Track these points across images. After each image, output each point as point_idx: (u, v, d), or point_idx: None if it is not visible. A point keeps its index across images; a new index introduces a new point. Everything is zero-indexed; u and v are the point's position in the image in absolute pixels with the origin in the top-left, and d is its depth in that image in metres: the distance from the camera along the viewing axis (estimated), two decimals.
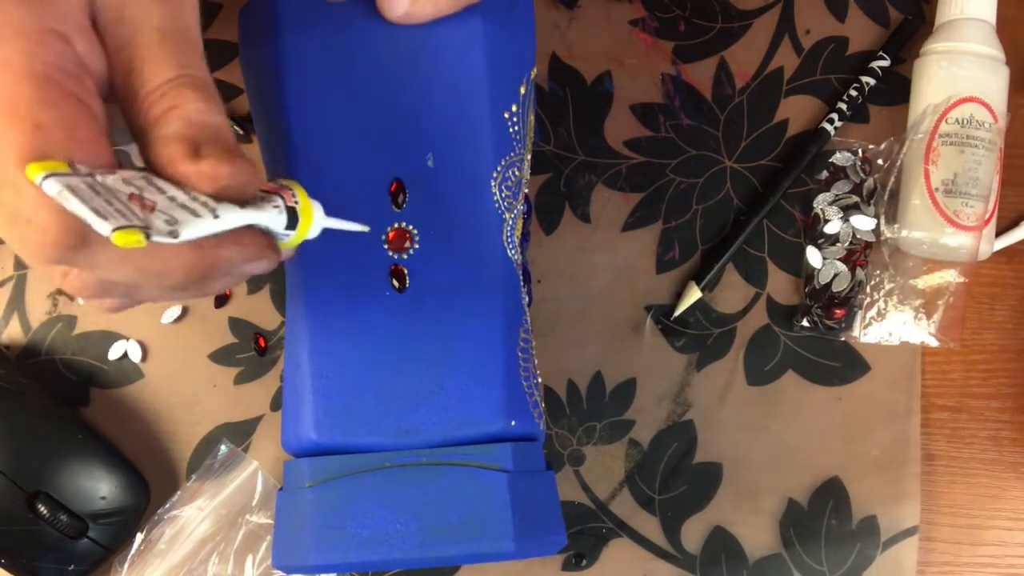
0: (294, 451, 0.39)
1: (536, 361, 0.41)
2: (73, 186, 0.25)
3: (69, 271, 0.29)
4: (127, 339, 0.48)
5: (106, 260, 0.28)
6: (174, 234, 0.27)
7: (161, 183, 0.28)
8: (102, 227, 0.25)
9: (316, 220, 0.32)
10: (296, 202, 0.32)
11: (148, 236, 0.25)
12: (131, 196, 0.27)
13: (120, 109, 0.30)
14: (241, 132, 0.48)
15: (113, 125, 0.30)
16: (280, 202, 0.31)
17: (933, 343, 0.48)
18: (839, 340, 0.48)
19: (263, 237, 0.31)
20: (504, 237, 0.40)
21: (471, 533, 0.36)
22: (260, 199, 0.31)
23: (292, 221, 0.31)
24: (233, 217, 0.29)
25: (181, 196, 0.28)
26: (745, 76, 0.50)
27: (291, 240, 0.32)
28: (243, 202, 0.29)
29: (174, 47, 0.30)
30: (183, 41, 0.30)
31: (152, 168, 0.29)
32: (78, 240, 0.26)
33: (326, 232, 0.33)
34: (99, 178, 0.27)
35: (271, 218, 0.30)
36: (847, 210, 0.48)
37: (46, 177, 0.25)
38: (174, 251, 0.28)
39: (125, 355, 0.48)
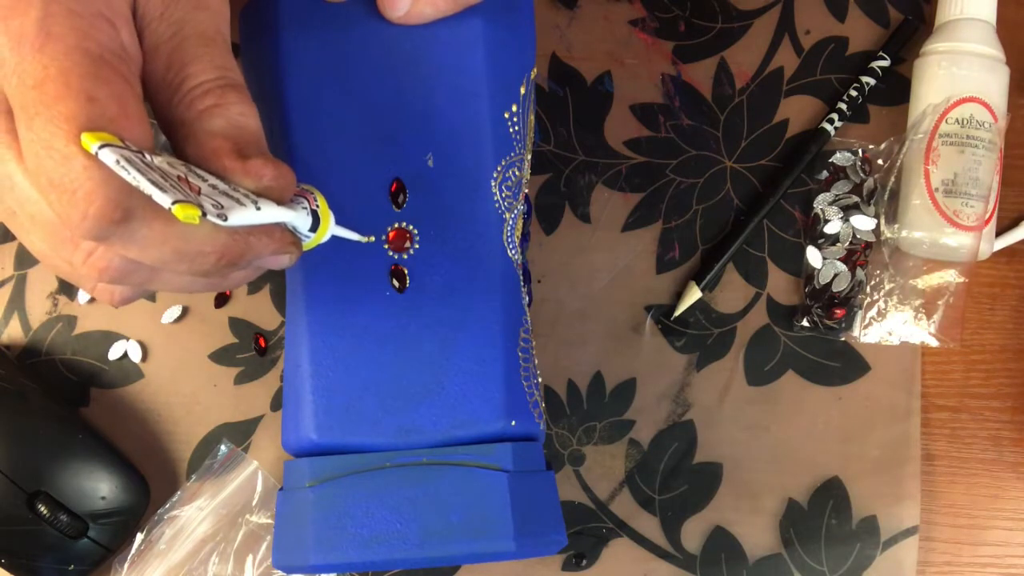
0: (294, 451, 0.39)
1: (536, 361, 0.41)
2: (129, 158, 0.26)
3: (94, 250, 0.29)
4: (127, 339, 0.48)
5: (145, 237, 0.28)
6: (223, 217, 0.27)
7: (201, 172, 0.29)
8: (163, 199, 0.25)
9: (330, 226, 0.34)
10: (317, 206, 0.33)
11: (204, 214, 0.26)
12: (178, 177, 0.27)
13: (151, 103, 0.31)
14: None
15: None
16: (307, 204, 0.32)
17: (933, 343, 0.48)
18: (839, 340, 0.48)
19: (290, 233, 0.32)
20: (504, 237, 0.40)
21: (471, 533, 0.36)
22: (290, 200, 0.32)
23: (314, 224, 0.33)
24: (272, 212, 0.30)
25: (222, 185, 0.29)
26: (745, 76, 0.50)
27: (310, 242, 0.33)
28: (278, 202, 0.30)
29: (216, 51, 0.31)
30: (223, 47, 0.31)
31: (192, 160, 0.29)
32: (122, 214, 0.27)
33: None
34: (148, 157, 0.27)
35: (300, 218, 0.32)
36: (847, 210, 0.48)
37: (102, 147, 0.25)
38: (211, 234, 0.29)
39: (125, 355, 0.48)
